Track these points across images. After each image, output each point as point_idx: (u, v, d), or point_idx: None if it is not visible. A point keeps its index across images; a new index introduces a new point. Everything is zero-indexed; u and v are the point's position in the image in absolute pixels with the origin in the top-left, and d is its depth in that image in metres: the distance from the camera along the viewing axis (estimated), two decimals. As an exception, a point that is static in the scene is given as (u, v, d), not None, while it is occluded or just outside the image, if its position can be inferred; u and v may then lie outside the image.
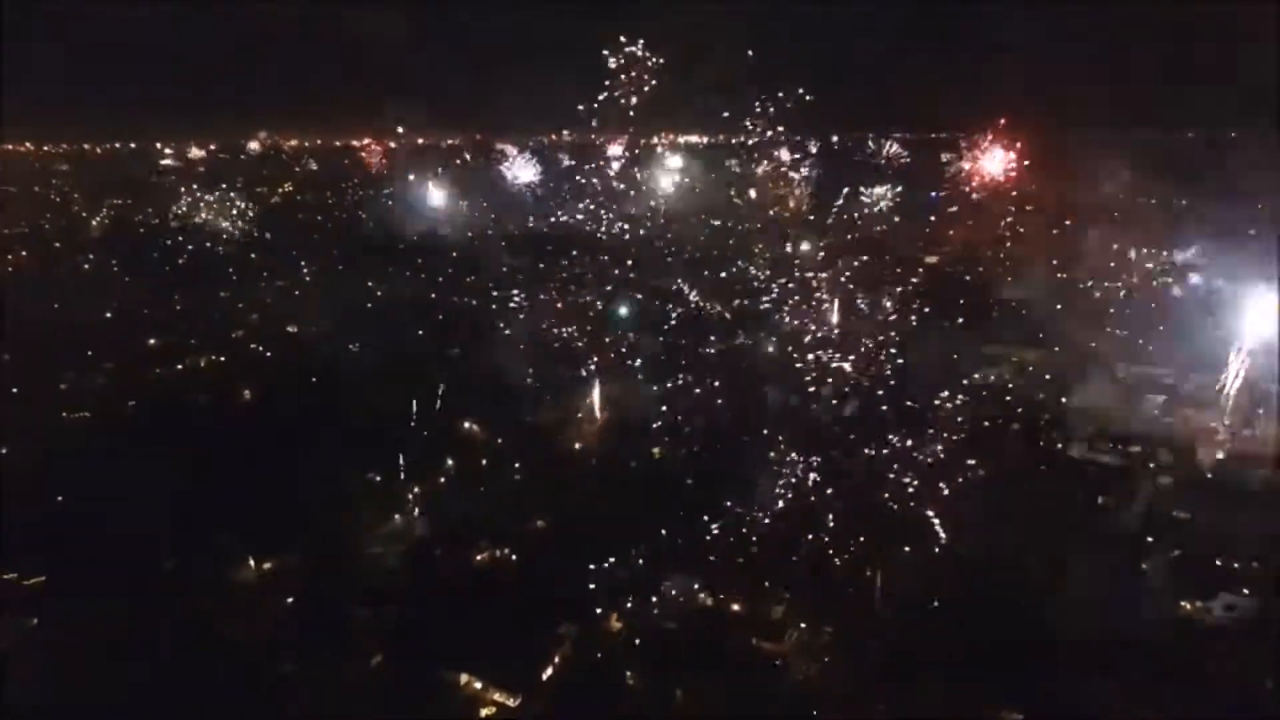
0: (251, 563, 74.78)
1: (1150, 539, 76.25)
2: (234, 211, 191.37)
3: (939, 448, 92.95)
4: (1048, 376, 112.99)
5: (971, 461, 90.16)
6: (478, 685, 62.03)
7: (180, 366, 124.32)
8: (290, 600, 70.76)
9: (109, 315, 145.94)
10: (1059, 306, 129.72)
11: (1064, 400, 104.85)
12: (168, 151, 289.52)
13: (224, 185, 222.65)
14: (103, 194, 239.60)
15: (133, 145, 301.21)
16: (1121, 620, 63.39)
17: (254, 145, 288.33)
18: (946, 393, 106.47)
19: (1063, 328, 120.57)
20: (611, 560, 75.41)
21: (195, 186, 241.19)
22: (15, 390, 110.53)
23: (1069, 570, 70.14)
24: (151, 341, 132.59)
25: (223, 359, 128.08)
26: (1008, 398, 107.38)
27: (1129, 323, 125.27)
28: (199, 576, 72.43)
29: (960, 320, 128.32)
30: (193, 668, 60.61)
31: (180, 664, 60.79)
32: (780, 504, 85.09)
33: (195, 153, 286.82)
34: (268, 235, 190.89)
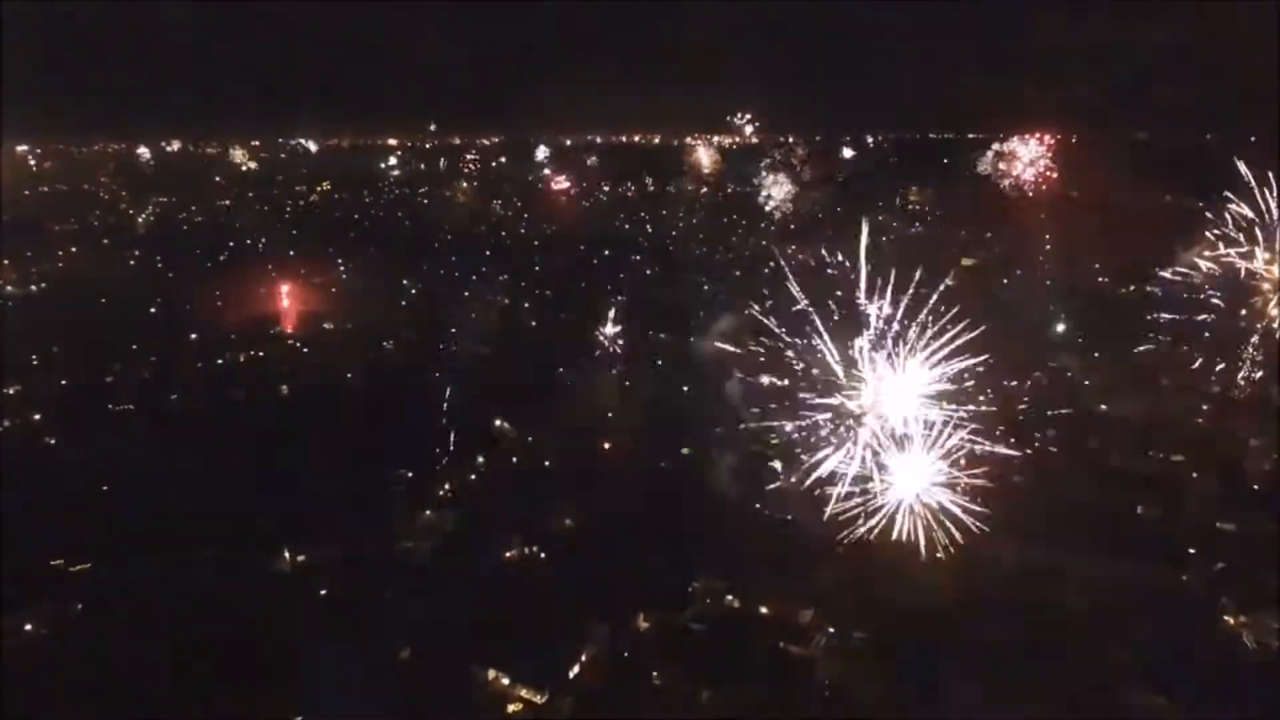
0: (287, 554, 76.05)
1: (1192, 550, 74.29)
2: (273, 210, 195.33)
3: (971, 451, 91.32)
4: (1086, 382, 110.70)
5: (1007, 466, 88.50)
6: (505, 681, 62.39)
7: (220, 361, 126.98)
8: (324, 592, 71.85)
9: (153, 310, 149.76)
10: (1099, 311, 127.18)
11: (1104, 406, 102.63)
12: (211, 151, 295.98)
13: (265, 184, 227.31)
14: (149, 193, 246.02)
15: (177, 145, 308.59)
16: (1159, 630, 62.08)
17: (294, 145, 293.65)
18: (982, 397, 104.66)
19: (1103, 332, 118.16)
20: (640, 560, 75.37)
21: (237, 185, 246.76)
22: (64, 382, 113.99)
23: (1106, 578, 68.82)
24: (193, 336, 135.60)
25: (261, 354, 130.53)
26: (1046, 402, 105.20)
27: (1171, 328, 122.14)
28: (236, 566, 73.93)
29: (992, 321, 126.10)
30: (229, 655, 61.92)
31: (217, 651, 62.12)
32: (811, 508, 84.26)
33: (238, 153, 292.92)
34: (306, 233, 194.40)
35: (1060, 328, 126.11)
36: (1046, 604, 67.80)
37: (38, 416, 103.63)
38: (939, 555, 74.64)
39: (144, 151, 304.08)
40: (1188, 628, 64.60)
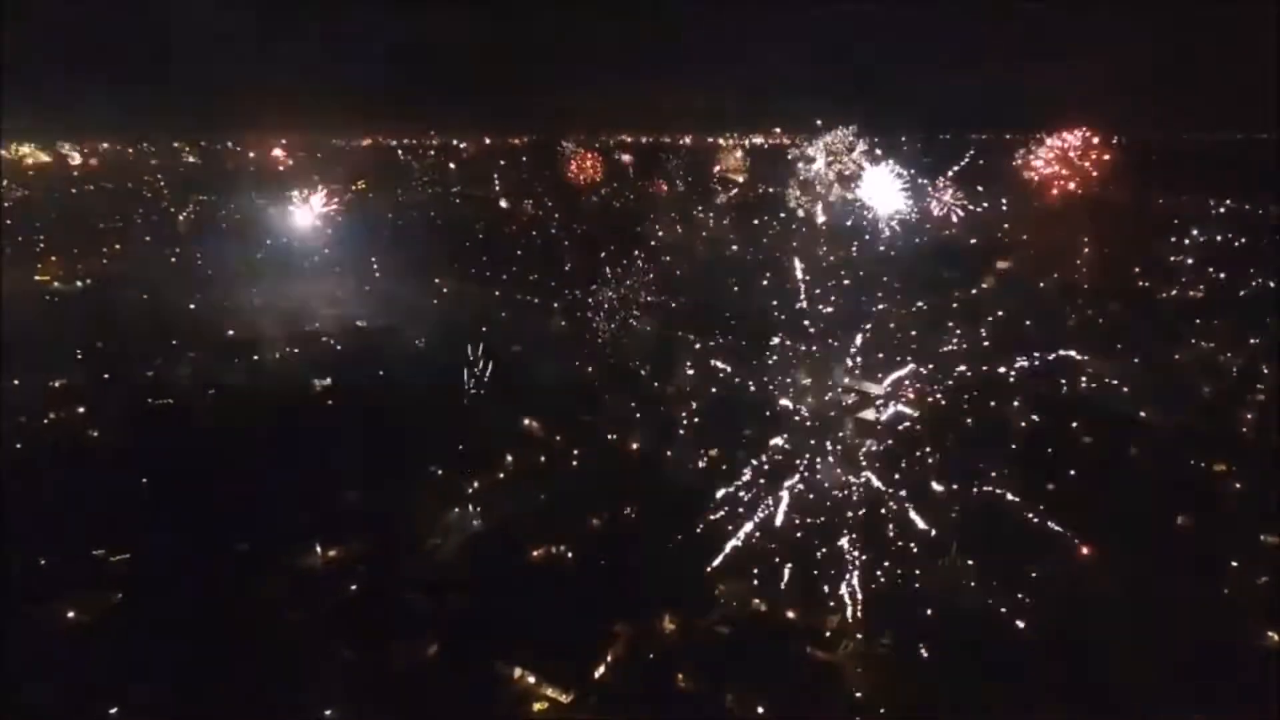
0: (318, 549, 77.26)
1: (1234, 563, 72.41)
2: (309, 208, 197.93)
3: (1006, 459, 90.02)
4: (1125, 389, 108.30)
5: (1041, 473, 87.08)
6: (531, 680, 62.86)
7: (256, 357, 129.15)
8: (354, 587, 72.88)
9: (192, 307, 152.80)
10: (1137, 315, 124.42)
11: (1142, 414, 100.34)
12: (251, 154, 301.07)
13: (300, 183, 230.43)
14: (189, 191, 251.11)
15: (218, 145, 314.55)
16: (1197, 644, 60.64)
17: (331, 143, 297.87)
18: (1016, 403, 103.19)
19: (1142, 337, 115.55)
20: (666, 562, 75.41)
21: (274, 184, 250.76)
22: (107, 376, 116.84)
23: (1143, 590, 67.33)
24: (230, 333, 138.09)
25: (295, 351, 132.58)
26: (1081, 407, 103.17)
27: (1212, 333, 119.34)
28: (269, 560, 75.33)
29: (1030, 326, 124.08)
30: (259, 647, 63.12)
31: (248, 643, 63.36)
32: (840, 511, 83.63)
33: (276, 152, 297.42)
34: (340, 232, 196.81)
35: (1097, 332, 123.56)
36: (1080, 615, 66.55)
37: (81, 410, 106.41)
38: (969, 561, 73.98)
39: (186, 151, 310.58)
40: (1228, 643, 63.02)
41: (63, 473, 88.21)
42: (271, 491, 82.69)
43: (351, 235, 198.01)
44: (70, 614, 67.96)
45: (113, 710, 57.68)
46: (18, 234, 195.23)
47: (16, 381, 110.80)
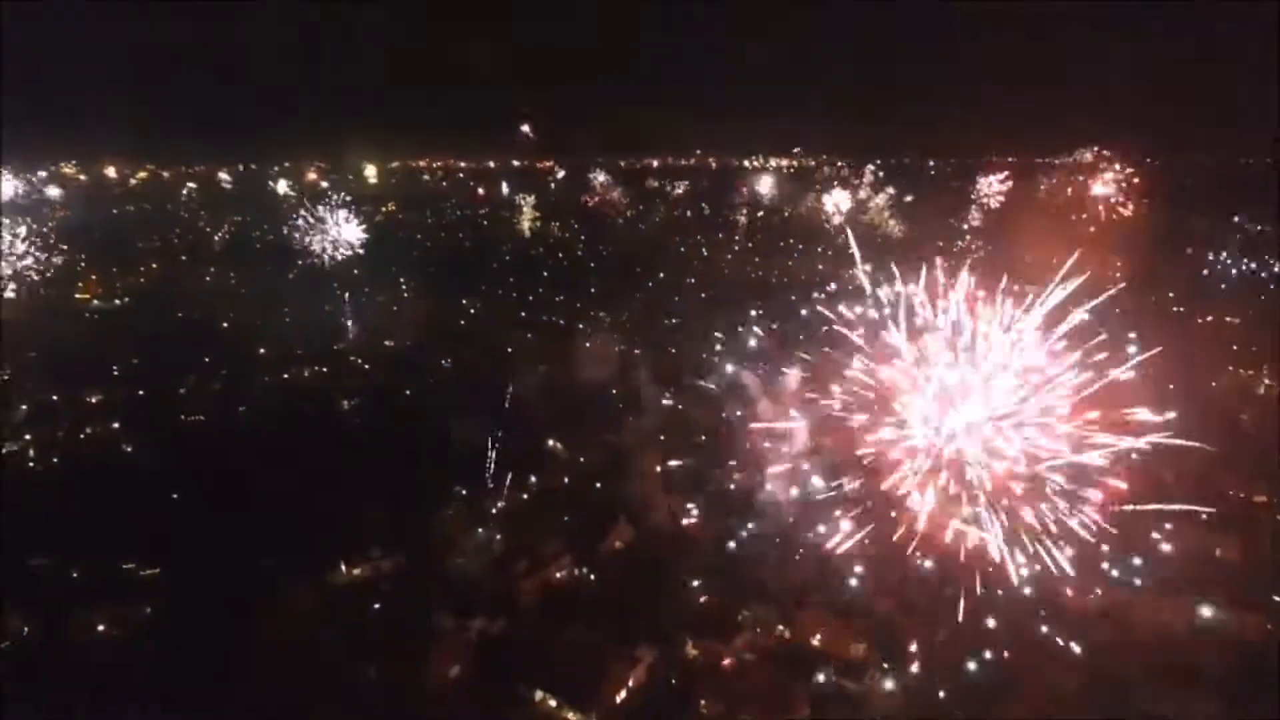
0: (343, 566, 77.69)
1: (1276, 597, 70.23)
2: (340, 230, 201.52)
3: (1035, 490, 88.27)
4: (1158, 414, 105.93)
5: (1067, 504, 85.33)
6: (552, 703, 62.45)
7: (286, 376, 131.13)
8: (377, 606, 73.08)
9: (225, 325, 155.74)
10: (1173, 338, 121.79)
11: (1178, 441, 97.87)
12: (284, 177, 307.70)
13: (332, 205, 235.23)
14: (225, 212, 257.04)
15: (253, 167, 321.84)
16: (1238, 680, 58.88)
17: (362, 166, 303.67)
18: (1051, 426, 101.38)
19: (1177, 361, 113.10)
20: (690, 587, 74.84)
21: (306, 206, 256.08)
22: (141, 393, 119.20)
23: (1181, 623, 65.65)
24: (262, 351, 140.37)
25: (325, 370, 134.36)
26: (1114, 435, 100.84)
27: (1250, 357, 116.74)
28: (295, 576, 75.81)
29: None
30: (284, 663, 63.32)
31: (273, 658, 63.58)
32: (868, 541, 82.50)
33: (309, 175, 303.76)
34: (371, 253, 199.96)
35: (1131, 356, 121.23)
36: (1114, 647, 64.88)
37: (116, 425, 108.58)
38: (1000, 594, 72.44)
39: (223, 174, 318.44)
40: (1269, 679, 60.94)
41: (97, 486, 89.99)
42: (298, 508, 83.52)
43: (381, 256, 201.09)
44: (101, 626, 68.87)
45: (140, 724, 58.16)
46: (60, 253, 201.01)
47: (55, 396, 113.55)
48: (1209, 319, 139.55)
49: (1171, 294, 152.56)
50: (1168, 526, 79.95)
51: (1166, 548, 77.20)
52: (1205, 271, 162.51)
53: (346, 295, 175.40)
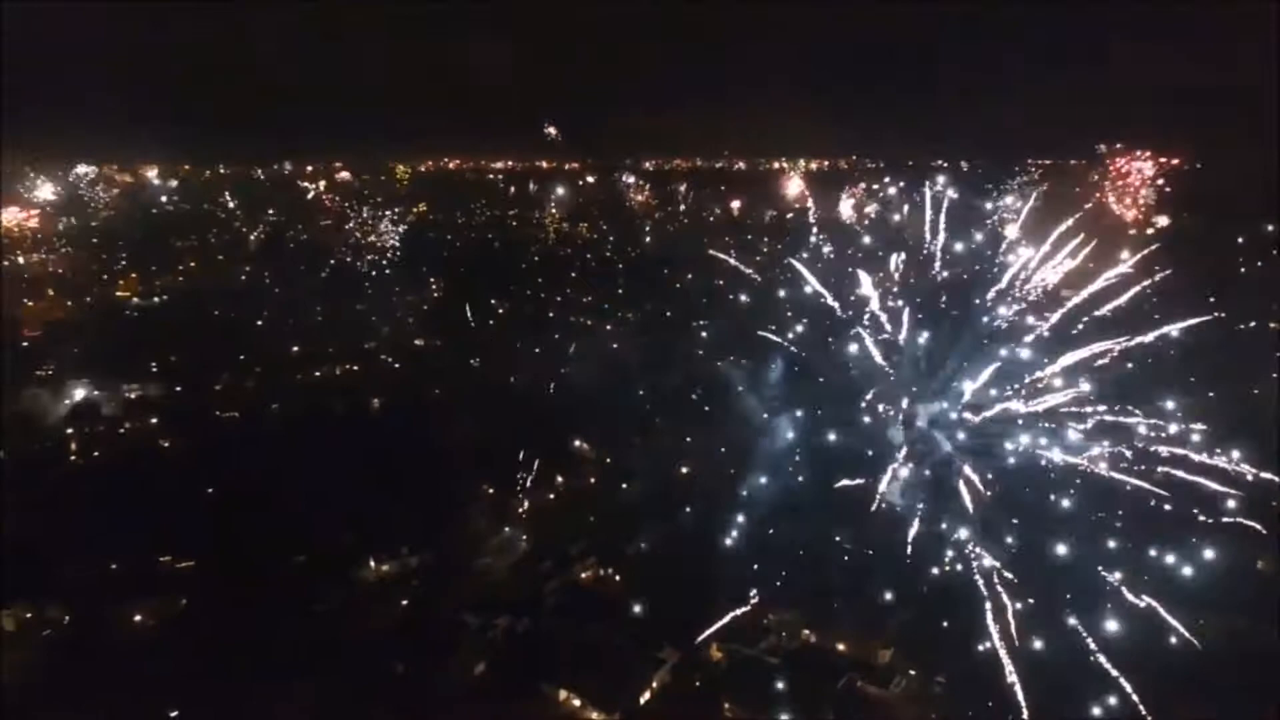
0: (372, 564, 78.73)
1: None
2: (372, 230, 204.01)
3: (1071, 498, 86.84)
4: (1199, 426, 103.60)
5: (1102, 514, 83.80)
6: (576, 702, 62.76)
7: (318, 374, 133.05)
8: (405, 603, 73.93)
9: (259, 323, 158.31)
10: (1214, 347, 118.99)
11: (1219, 452, 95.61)
12: (320, 180, 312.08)
13: (364, 205, 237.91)
14: (260, 212, 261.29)
15: (287, 168, 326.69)
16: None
17: (394, 168, 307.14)
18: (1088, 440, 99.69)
19: (1219, 372, 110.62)
20: (715, 589, 74.62)
21: (338, 206, 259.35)
22: (179, 389, 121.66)
23: (1220, 636, 64.08)
24: (295, 349, 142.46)
25: (355, 368, 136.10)
26: (1153, 448, 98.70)
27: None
28: (325, 572, 77.05)
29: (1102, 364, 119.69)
30: (314, 657, 64.35)
31: (303, 652, 64.64)
32: (898, 545, 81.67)
33: (341, 175, 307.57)
34: (401, 253, 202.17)
35: (1170, 366, 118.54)
36: (1153, 661, 63.49)
37: (154, 420, 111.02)
38: (1030, 602, 71.32)
39: (259, 175, 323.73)
40: None
41: (135, 480, 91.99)
42: (328, 505, 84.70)
43: (411, 256, 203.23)
44: (137, 617, 70.53)
45: (174, 713, 59.41)
46: (103, 252, 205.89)
47: (97, 391, 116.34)
48: (1252, 325, 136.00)
49: (1211, 299, 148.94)
50: (1208, 537, 78.28)
51: (1207, 557, 75.34)
52: (1249, 279, 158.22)
53: (377, 295, 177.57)
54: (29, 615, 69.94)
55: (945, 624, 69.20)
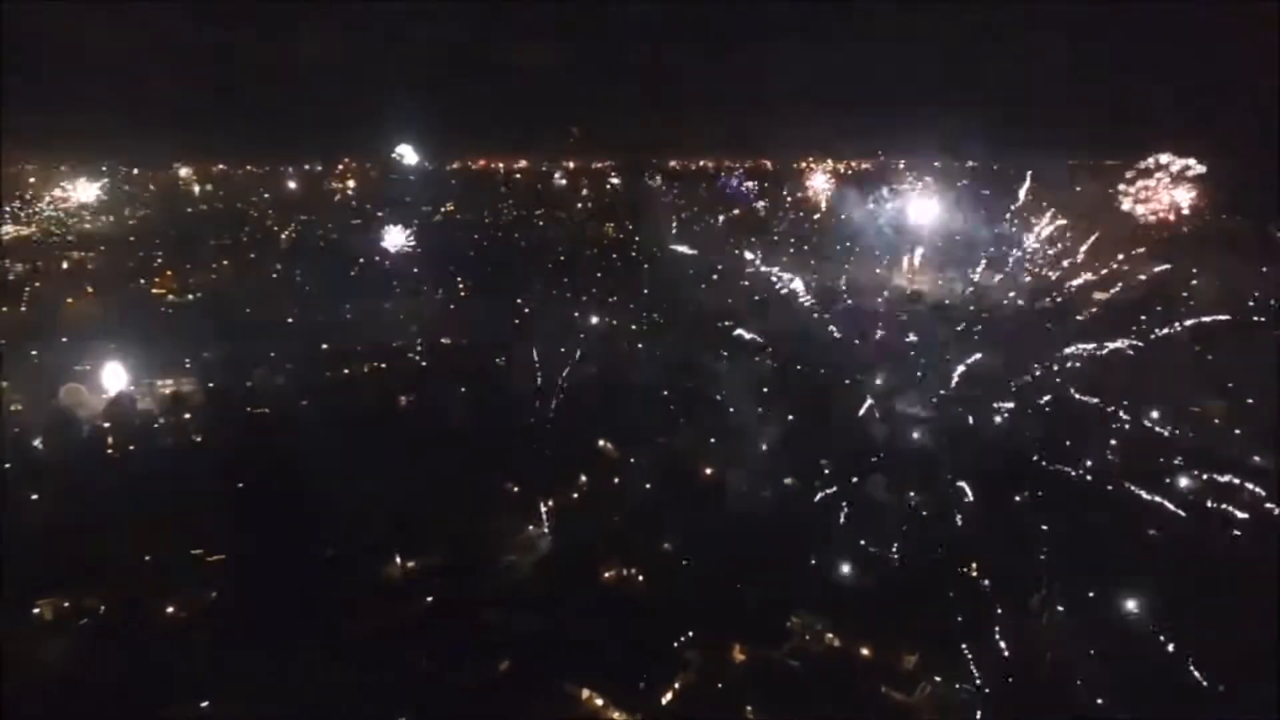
0: (398, 559, 79.56)
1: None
2: (400, 228, 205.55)
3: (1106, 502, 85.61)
4: (1235, 431, 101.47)
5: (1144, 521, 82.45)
6: (599, 702, 62.88)
7: (346, 371, 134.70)
8: (429, 600, 74.59)
9: (290, 320, 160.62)
10: (1252, 351, 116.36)
11: (1257, 459, 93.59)
12: (348, 178, 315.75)
13: (392, 205, 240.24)
14: (291, 211, 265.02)
15: (318, 168, 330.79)
16: None
17: (422, 167, 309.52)
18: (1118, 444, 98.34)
19: (1257, 376, 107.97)
20: (738, 590, 74.46)
21: (368, 206, 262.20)
22: (211, 385, 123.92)
23: (1249, 654, 62.49)
24: (324, 346, 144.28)
25: (383, 366, 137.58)
26: (1190, 453, 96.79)
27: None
28: (352, 567, 78.02)
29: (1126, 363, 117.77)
30: (339, 651, 65.25)
31: (329, 646, 65.55)
32: (924, 549, 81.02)
33: (371, 174, 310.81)
34: (429, 252, 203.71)
35: (1206, 370, 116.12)
36: (1183, 676, 62.28)
37: (187, 416, 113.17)
38: (1059, 610, 70.42)
39: (290, 175, 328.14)
40: None
41: (168, 474, 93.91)
42: (356, 501, 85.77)
43: (439, 255, 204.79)
44: (170, 609, 71.95)
45: (204, 704, 60.55)
46: (140, 249, 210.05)
47: (133, 387, 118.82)
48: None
49: (1251, 301, 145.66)
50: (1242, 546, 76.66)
51: (1240, 569, 73.67)
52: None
53: (404, 293, 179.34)
54: (66, 604, 71.62)
55: (971, 630, 68.58)
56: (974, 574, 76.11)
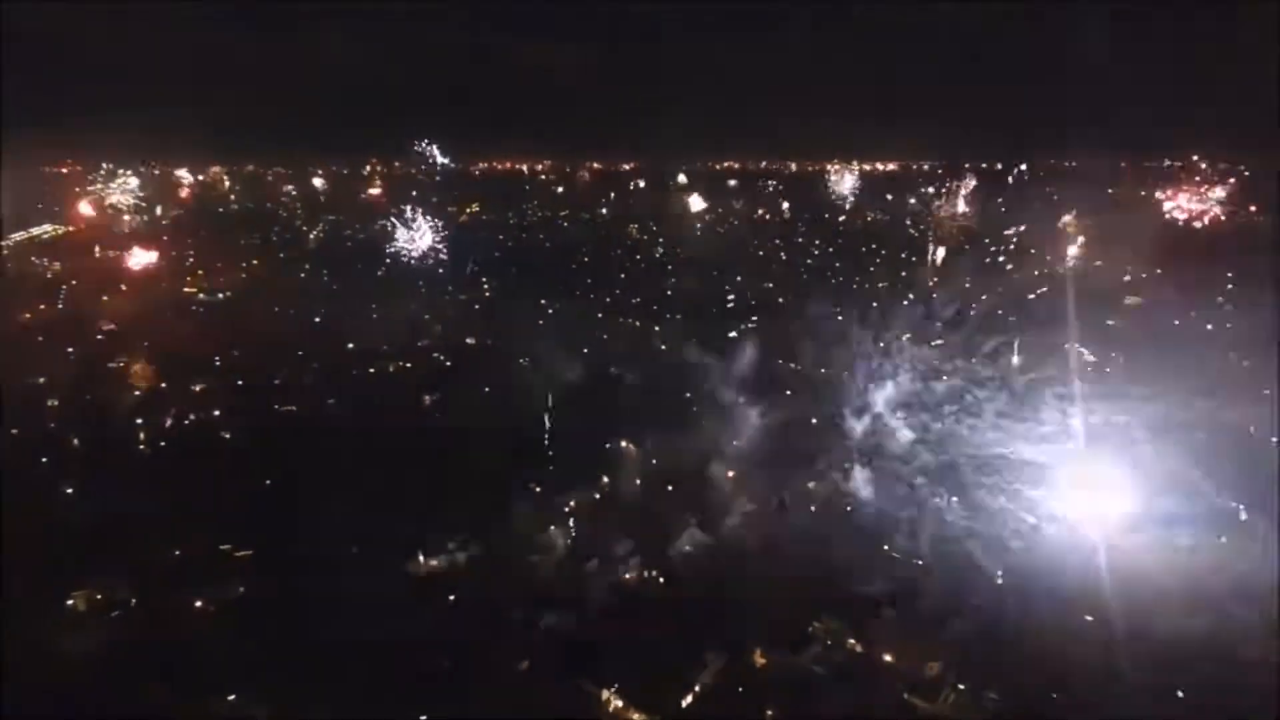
0: (421, 557, 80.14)
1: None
2: (426, 229, 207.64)
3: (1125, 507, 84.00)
4: (1252, 429, 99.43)
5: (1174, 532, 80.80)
6: (619, 703, 62.83)
7: (372, 370, 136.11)
8: (451, 598, 75.07)
9: (318, 320, 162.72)
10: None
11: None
12: (376, 180, 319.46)
13: (418, 205, 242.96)
14: (320, 211, 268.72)
15: (345, 170, 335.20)
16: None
17: (449, 168, 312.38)
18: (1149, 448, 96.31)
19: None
20: (760, 593, 74.04)
21: (394, 206, 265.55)
22: (240, 382, 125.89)
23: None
24: (350, 346, 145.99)
25: (409, 365, 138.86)
26: (1224, 462, 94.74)
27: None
28: (376, 563, 78.66)
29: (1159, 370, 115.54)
30: (362, 646, 65.81)
31: (352, 641, 66.16)
32: (949, 552, 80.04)
33: (398, 176, 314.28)
34: (454, 252, 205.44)
35: (1243, 377, 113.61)
36: (1214, 685, 60.87)
37: (217, 413, 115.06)
38: (1089, 618, 69.29)
39: (318, 175, 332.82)
40: None
41: (198, 470, 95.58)
42: (380, 498, 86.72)
43: (464, 255, 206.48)
44: (198, 602, 73.09)
45: (231, 696, 61.44)
46: (173, 249, 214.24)
47: (164, 384, 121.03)
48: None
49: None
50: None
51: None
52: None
53: (430, 293, 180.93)
54: (99, 596, 73.04)
55: (997, 636, 67.65)
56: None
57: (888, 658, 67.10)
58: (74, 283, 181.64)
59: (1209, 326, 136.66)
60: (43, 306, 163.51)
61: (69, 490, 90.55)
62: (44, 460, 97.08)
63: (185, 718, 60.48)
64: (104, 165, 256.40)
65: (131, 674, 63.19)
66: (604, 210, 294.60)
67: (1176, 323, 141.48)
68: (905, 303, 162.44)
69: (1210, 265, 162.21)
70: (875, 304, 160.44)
